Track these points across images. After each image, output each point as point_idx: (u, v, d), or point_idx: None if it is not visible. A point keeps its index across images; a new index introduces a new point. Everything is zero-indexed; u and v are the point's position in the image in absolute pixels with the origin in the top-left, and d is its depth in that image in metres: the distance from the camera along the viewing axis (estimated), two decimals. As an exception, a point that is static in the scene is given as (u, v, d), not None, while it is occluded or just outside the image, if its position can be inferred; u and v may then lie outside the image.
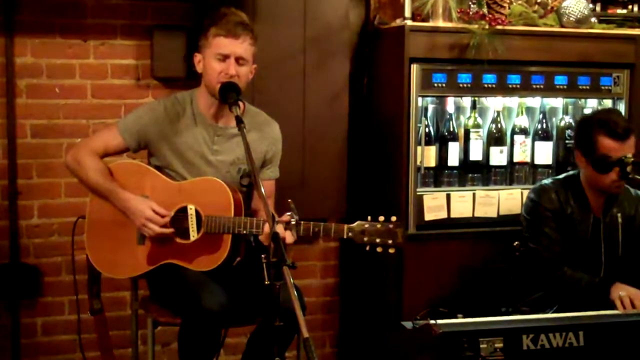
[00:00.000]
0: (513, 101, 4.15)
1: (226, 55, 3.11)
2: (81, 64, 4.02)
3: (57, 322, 4.10)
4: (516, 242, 3.69)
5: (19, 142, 3.97)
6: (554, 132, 4.18)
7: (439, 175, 4.00)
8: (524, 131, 4.10)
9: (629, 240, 3.58)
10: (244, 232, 3.05)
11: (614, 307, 3.28)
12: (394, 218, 2.97)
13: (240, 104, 3.08)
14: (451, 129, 3.99)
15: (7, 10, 3.87)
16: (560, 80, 4.04)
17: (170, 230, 3.12)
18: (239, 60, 3.12)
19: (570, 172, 3.67)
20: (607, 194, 3.53)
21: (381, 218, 2.97)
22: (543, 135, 4.13)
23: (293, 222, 2.87)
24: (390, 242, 2.95)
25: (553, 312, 3.43)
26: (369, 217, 2.98)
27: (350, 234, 2.97)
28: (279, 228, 2.67)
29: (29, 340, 4.07)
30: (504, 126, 4.07)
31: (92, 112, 4.05)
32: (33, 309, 4.07)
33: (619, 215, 3.57)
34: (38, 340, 4.09)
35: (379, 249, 2.96)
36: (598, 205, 3.56)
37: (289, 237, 2.87)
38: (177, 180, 3.21)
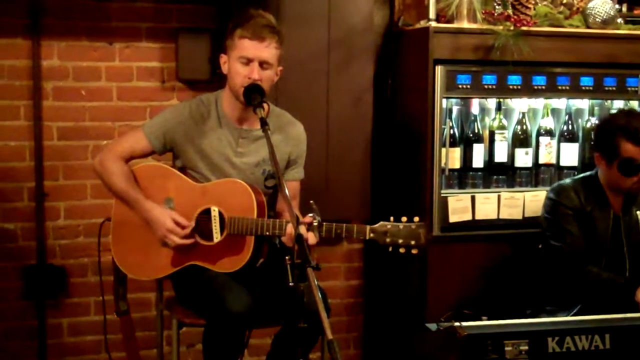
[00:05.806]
0: (538, 102, 4.12)
1: (250, 58, 3.09)
2: (107, 67, 4.05)
3: (83, 323, 4.13)
4: (541, 245, 3.67)
5: (45, 144, 4.00)
6: (580, 134, 4.15)
7: (464, 177, 3.98)
8: (549, 133, 4.08)
9: None
10: (267, 233, 3.05)
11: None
12: (416, 219, 2.94)
13: (265, 105, 3.07)
14: (476, 131, 3.97)
15: (33, 13, 3.91)
16: (586, 81, 4.00)
17: (191, 240, 3.13)
18: (263, 64, 3.09)
19: (588, 173, 3.66)
20: (626, 193, 3.53)
21: (404, 219, 2.94)
22: (569, 136, 4.10)
23: (315, 223, 2.86)
24: (413, 242, 2.91)
25: (576, 312, 3.41)
26: (392, 218, 2.95)
27: (372, 234, 2.94)
28: (302, 229, 2.66)
29: (55, 341, 4.10)
30: (529, 127, 4.05)
31: (117, 115, 4.08)
32: (59, 309, 4.10)
33: (639, 214, 3.55)
34: (64, 341, 4.12)
35: (401, 250, 2.92)
36: (617, 204, 3.56)
37: (312, 238, 2.85)
38: (202, 182, 3.22)
